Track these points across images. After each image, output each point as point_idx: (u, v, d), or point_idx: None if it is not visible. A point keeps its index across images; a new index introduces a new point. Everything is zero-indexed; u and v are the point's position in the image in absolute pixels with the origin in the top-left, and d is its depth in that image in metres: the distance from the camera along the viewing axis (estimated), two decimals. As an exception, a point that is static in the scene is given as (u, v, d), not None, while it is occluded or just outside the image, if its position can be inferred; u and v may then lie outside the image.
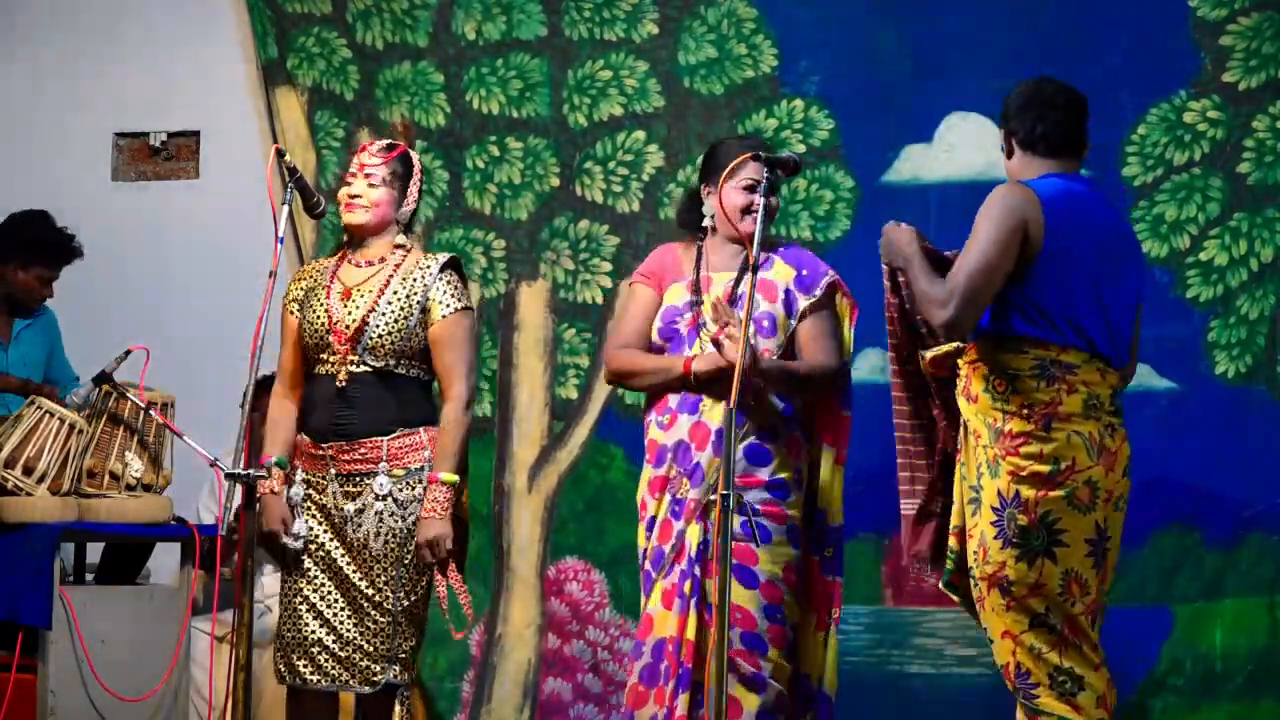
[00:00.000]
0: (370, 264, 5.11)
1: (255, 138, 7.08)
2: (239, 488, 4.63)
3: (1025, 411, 4.48)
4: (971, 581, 4.59)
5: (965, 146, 6.30)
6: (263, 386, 5.28)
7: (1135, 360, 4.76)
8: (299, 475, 5.08)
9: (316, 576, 5.04)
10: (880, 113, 6.40)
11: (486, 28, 6.77)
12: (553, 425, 6.67)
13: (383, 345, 5.02)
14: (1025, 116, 4.65)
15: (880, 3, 6.45)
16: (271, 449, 5.10)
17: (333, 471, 5.04)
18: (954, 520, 4.67)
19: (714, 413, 4.98)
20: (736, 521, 4.92)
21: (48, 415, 5.75)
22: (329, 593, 5.03)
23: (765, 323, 5.05)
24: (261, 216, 5.12)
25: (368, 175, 5.09)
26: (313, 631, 5.02)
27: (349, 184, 5.12)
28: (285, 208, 4.79)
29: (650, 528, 5.05)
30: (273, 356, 5.19)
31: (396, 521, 5.02)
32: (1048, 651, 4.50)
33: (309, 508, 5.07)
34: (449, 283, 5.09)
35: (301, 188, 4.90)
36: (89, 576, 6.23)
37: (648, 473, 5.10)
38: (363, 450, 5.02)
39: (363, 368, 5.04)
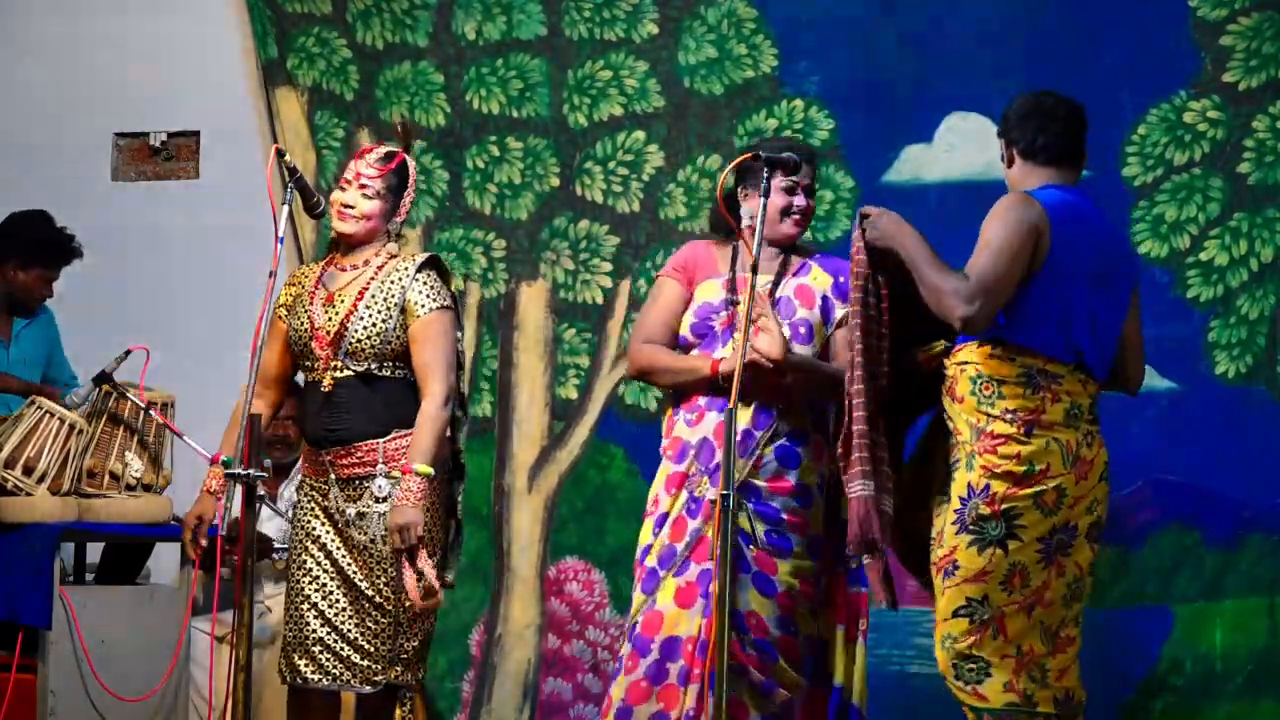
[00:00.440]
0: (355, 268, 5.11)
1: (255, 138, 7.08)
2: (239, 487, 4.63)
3: (1009, 416, 4.56)
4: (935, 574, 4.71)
5: (965, 146, 6.30)
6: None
7: (1143, 367, 4.83)
8: (295, 478, 5.08)
9: (319, 577, 5.04)
10: (880, 113, 6.40)
11: (486, 28, 6.77)
12: (553, 425, 6.66)
13: (363, 349, 5.02)
14: (1027, 127, 4.71)
15: (880, 3, 6.45)
16: (225, 448, 5.03)
17: (333, 476, 5.04)
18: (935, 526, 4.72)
19: (744, 412, 4.95)
20: (761, 529, 4.94)
21: (48, 415, 5.75)
22: (331, 593, 5.03)
23: (802, 329, 5.04)
24: (261, 216, 5.11)
25: (363, 186, 5.08)
26: (314, 631, 5.02)
27: (343, 189, 5.11)
28: (285, 208, 4.79)
29: (660, 524, 5.03)
30: (273, 357, 5.20)
31: (397, 522, 5.02)
32: (959, 641, 4.59)
33: (312, 509, 5.08)
34: (425, 282, 5.08)
35: (301, 188, 4.90)
36: (89, 576, 6.23)
37: (666, 468, 5.08)
38: (360, 454, 5.02)
39: (346, 372, 5.03)
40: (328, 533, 5.06)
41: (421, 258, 5.13)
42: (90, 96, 7.35)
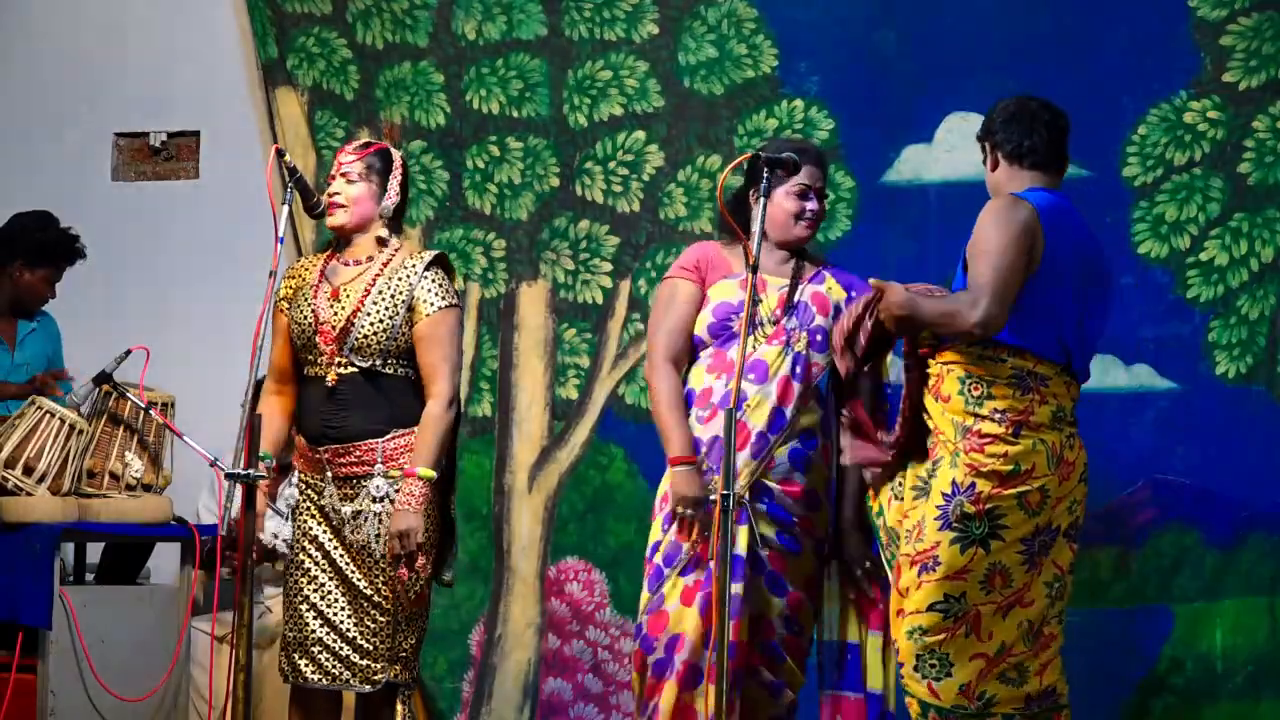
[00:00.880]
0: (358, 263, 5.11)
1: (255, 138, 7.08)
2: (239, 487, 4.63)
3: (998, 416, 4.60)
4: (886, 562, 4.77)
5: (965, 146, 6.27)
6: (263, 386, 5.28)
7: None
8: (295, 478, 5.08)
9: (317, 576, 5.05)
10: (880, 113, 6.39)
11: (486, 28, 6.77)
12: (553, 425, 6.66)
13: (369, 345, 5.02)
14: (1012, 130, 4.75)
15: (880, 3, 6.44)
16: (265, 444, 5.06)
17: (329, 474, 5.04)
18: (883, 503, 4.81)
19: (757, 413, 4.97)
20: (772, 531, 4.95)
21: (48, 415, 5.75)
22: (329, 593, 5.03)
23: (819, 336, 5.06)
24: (261, 216, 5.11)
25: (344, 174, 5.09)
26: (313, 631, 5.02)
27: (330, 185, 5.12)
28: (285, 208, 4.80)
29: (669, 522, 5.03)
30: (273, 356, 5.19)
31: (396, 522, 5.02)
32: (930, 634, 4.61)
33: (308, 508, 5.08)
34: (434, 280, 5.08)
35: (301, 188, 4.91)
36: (89, 576, 6.24)
37: None
38: (358, 453, 5.01)
39: (350, 368, 5.03)
40: (324, 532, 5.06)
41: (429, 255, 5.13)
42: (90, 96, 7.36)
